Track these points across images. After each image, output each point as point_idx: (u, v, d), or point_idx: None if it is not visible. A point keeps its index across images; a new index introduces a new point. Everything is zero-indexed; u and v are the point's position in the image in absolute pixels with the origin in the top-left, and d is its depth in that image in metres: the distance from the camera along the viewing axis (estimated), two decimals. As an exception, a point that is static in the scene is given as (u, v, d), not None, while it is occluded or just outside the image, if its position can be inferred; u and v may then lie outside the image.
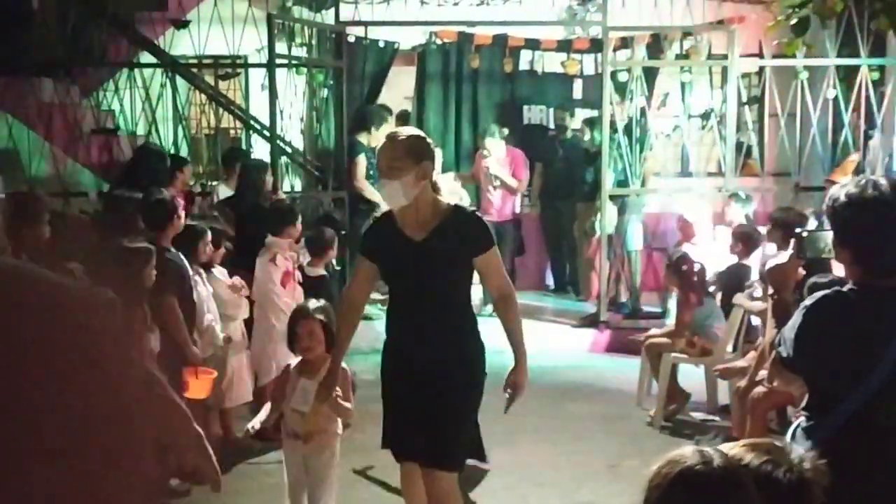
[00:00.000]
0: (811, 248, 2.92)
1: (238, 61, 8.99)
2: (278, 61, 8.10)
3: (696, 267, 6.40)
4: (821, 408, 2.63)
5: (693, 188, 8.70)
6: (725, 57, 8.37)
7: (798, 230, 3.08)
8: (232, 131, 10.24)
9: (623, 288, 8.94)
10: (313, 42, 9.27)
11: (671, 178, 9.26)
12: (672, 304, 8.09)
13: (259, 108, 8.39)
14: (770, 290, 3.40)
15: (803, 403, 2.74)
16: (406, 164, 3.60)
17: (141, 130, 8.44)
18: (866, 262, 2.61)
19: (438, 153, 8.78)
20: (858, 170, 7.61)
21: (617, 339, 8.17)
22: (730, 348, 6.27)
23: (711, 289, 6.58)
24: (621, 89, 8.57)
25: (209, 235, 5.51)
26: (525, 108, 10.36)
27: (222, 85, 9.18)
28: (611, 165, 8.52)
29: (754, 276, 6.21)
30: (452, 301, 3.77)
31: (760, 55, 8.49)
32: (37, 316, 0.86)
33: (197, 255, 5.39)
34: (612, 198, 8.56)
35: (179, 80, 8.26)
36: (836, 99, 8.33)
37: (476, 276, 4.03)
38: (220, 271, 5.79)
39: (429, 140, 3.76)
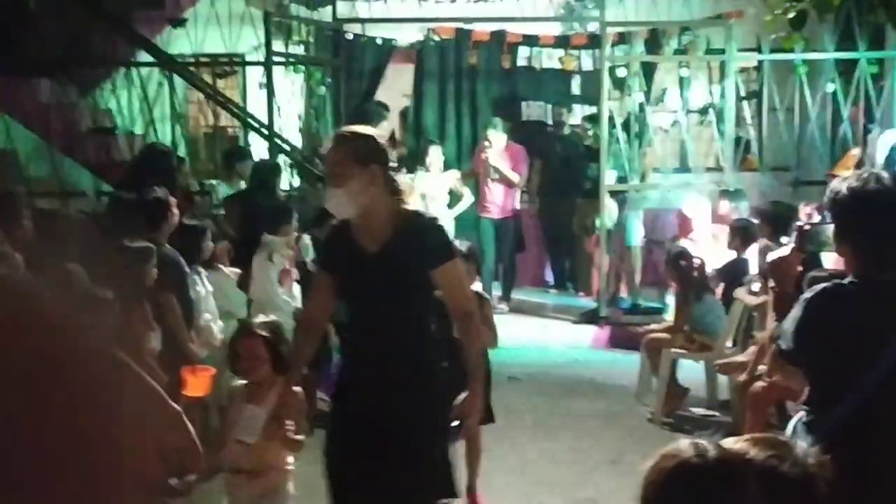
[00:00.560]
0: (812, 241, 2.92)
1: (235, 59, 8.99)
2: (276, 59, 8.10)
3: (696, 262, 6.40)
4: (821, 402, 2.62)
5: (692, 183, 8.69)
6: (723, 52, 8.35)
7: (800, 224, 3.08)
8: (230, 130, 10.23)
9: (623, 283, 8.94)
10: (311, 40, 9.27)
11: (670, 174, 9.25)
12: (671, 300, 8.10)
13: (257, 106, 8.38)
14: (771, 284, 3.40)
15: (803, 398, 2.74)
16: (351, 170, 3.21)
17: (138, 129, 8.42)
18: (867, 254, 2.61)
19: (438, 151, 8.87)
20: (860, 164, 7.60)
21: (617, 335, 8.17)
22: (729, 343, 6.27)
23: (711, 284, 6.58)
24: (619, 85, 8.56)
25: (209, 234, 5.51)
26: (523, 104, 10.36)
27: (220, 83, 9.17)
28: (610, 161, 8.51)
29: (753, 270, 6.21)
30: (413, 323, 3.36)
31: (758, 50, 8.48)
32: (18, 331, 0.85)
33: (197, 254, 5.39)
34: (612, 194, 8.56)
35: (177, 79, 8.24)
36: (834, 93, 8.32)
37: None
38: (230, 270, 5.82)
39: (380, 139, 3.38)
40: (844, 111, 8.22)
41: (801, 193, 8.12)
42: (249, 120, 8.59)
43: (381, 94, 9.77)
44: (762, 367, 4.90)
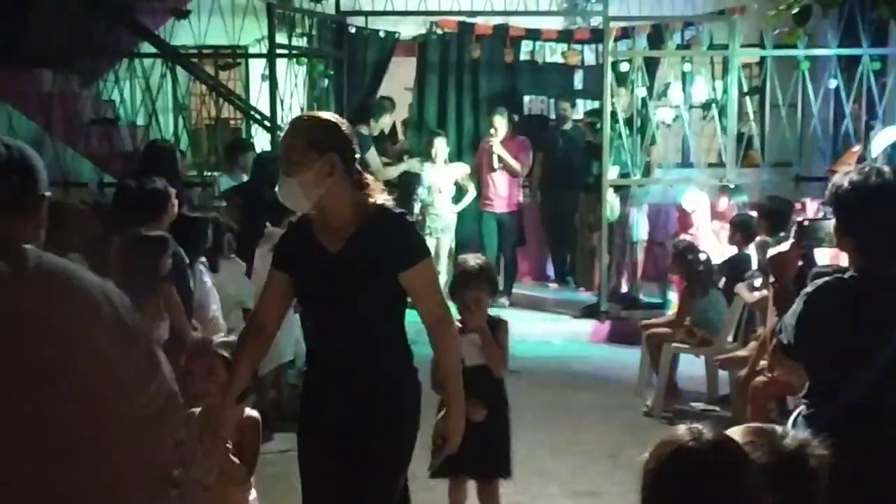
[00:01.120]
0: (811, 237, 2.93)
1: (238, 51, 8.99)
2: (278, 51, 8.10)
3: (703, 257, 6.40)
4: (821, 395, 2.63)
5: (694, 179, 8.69)
6: (727, 47, 8.35)
7: (800, 219, 3.09)
8: (232, 122, 10.24)
9: (624, 278, 8.95)
10: (314, 32, 9.26)
11: (672, 169, 9.25)
12: (672, 295, 8.11)
13: (259, 98, 8.38)
14: (771, 279, 3.40)
15: (804, 391, 2.75)
16: (305, 158, 2.87)
17: (141, 121, 8.43)
18: (868, 249, 2.62)
19: (443, 143, 8.85)
20: (861, 160, 7.60)
21: (617, 330, 8.19)
22: (730, 338, 6.28)
23: (716, 279, 6.58)
24: (622, 80, 8.56)
25: (210, 226, 5.52)
26: (525, 98, 10.36)
27: (222, 75, 9.17)
28: (612, 156, 8.51)
29: (755, 265, 6.21)
30: (377, 331, 3.00)
31: (762, 45, 8.48)
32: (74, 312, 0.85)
33: (200, 246, 5.40)
34: (614, 189, 8.56)
35: (179, 71, 8.26)
36: (837, 89, 8.32)
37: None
38: (237, 262, 5.86)
39: (343, 126, 2.98)
40: (847, 107, 8.22)
41: (802, 189, 8.13)
42: (252, 112, 8.61)
43: (383, 87, 9.76)
44: (763, 363, 4.91)
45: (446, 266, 8.77)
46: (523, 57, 10.07)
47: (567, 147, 9.45)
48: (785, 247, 3.00)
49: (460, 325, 3.62)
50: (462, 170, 8.98)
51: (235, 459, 3.11)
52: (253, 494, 3.31)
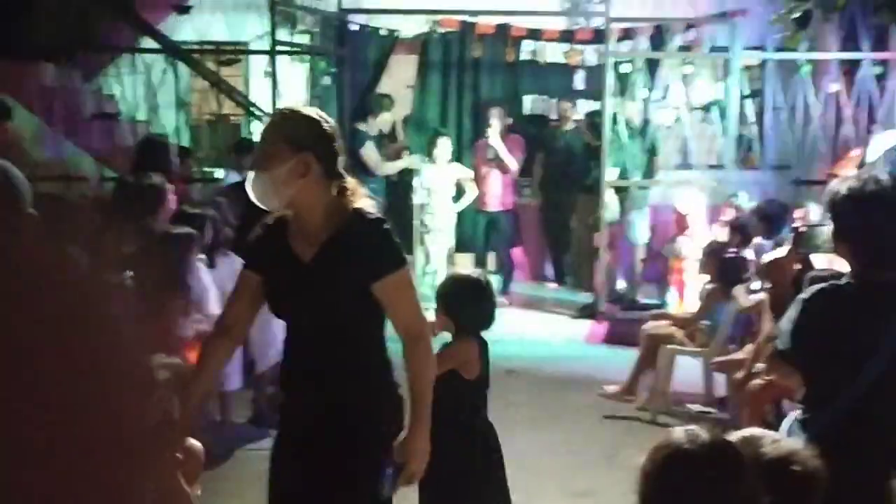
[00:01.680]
0: (808, 243, 2.94)
1: (240, 48, 9.00)
2: (280, 48, 8.11)
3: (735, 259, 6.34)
4: (817, 400, 2.65)
5: (693, 181, 8.70)
6: (727, 49, 8.36)
7: (797, 226, 3.11)
8: (233, 118, 10.25)
9: (623, 279, 8.96)
10: (315, 29, 9.27)
11: (672, 171, 9.26)
12: (670, 296, 8.12)
13: (260, 94, 8.40)
14: (767, 285, 3.42)
15: (800, 396, 2.76)
16: (279, 152, 2.71)
17: (142, 116, 8.44)
18: (865, 255, 2.63)
19: (447, 142, 8.84)
20: (861, 164, 7.61)
21: (615, 331, 8.19)
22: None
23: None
24: (623, 81, 8.57)
25: (209, 222, 5.53)
26: (526, 98, 10.36)
27: (224, 71, 9.18)
28: (612, 157, 8.52)
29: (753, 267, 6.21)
30: (350, 344, 2.80)
31: (763, 48, 8.49)
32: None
33: (199, 242, 5.41)
34: (614, 190, 8.57)
35: (181, 66, 8.26)
36: (837, 93, 8.33)
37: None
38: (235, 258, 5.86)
39: (326, 124, 2.78)
40: (847, 111, 8.23)
41: (801, 192, 8.14)
42: (253, 108, 8.61)
43: (384, 85, 9.77)
44: (760, 365, 4.92)
45: (444, 266, 8.78)
46: (525, 57, 10.08)
47: (568, 147, 9.46)
48: (781, 253, 3.02)
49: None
50: (463, 170, 8.97)
51: (184, 484, 2.90)
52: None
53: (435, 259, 8.81)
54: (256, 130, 8.76)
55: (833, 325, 2.62)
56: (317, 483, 2.78)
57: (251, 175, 2.76)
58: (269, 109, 8.00)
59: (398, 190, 9.66)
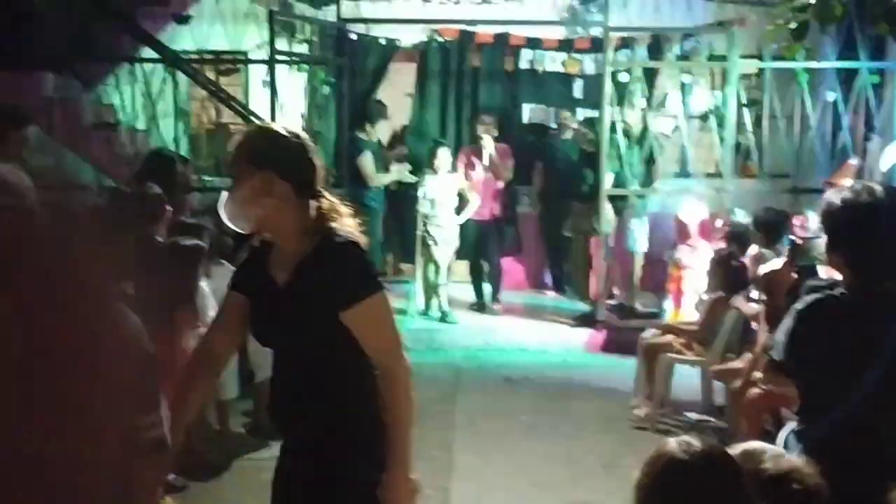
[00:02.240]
0: (805, 256, 2.95)
1: (239, 57, 9.02)
2: (279, 58, 8.14)
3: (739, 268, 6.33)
4: (813, 412, 2.65)
5: (692, 189, 8.71)
6: (725, 58, 8.39)
7: (793, 238, 3.12)
8: (232, 127, 10.26)
9: (620, 288, 8.97)
10: (314, 39, 9.29)
11: (670, 179, 9.28)
12: (668, 305, 8.12)
13: (260, 104, 8.41)
14: (762, 296, 3.43)
15: (796, 407, 2.77)
16: (241, 171, 2.58)
17: (141, 125, 8.46)
18: (859, 266, 2.64)
19: (447, 152, 8.83)
20: (858, 173, 7.63)
21: (614, 339, 8.19)
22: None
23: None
24: (621, 89, 8.59)
25: (208, 232, 5.54)
26: (526, 106, 10.39)
27: (223, 81, 9.20)
28: (609, 166, 8.54)
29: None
30: (326, 374, 2.62)
31: (760, 57, 8.51)
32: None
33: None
34: (612, 198, 8.58)
35: (180, 76, 8.28)
36: (835, 102, 8.35)
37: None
38: (230, 269, 5.85)
39: (292, 142, 2.61)
40: (844, 120, 8.25)
41: (799, 201, 8.15)
42: (252, 118, 8.62)
43: (383, 94, 9.79)
44: (758, 374, 4.93)
45: (444, 278, 8.78)
46: (523, 65, 10.11)
47: (567, 156, 9.47)
48: (777, 265, 3.03)
49: None
50: (464, 180, 8.94)
51: None
52: None
53: (442, 269, 8.79)
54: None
55: (828, 335, 2.63)
56: None
57: (222, 195, 2.62)
58: (269, 118, 8.01)
59: (398, 199, 9.68)
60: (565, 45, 10.09)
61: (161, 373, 2.06)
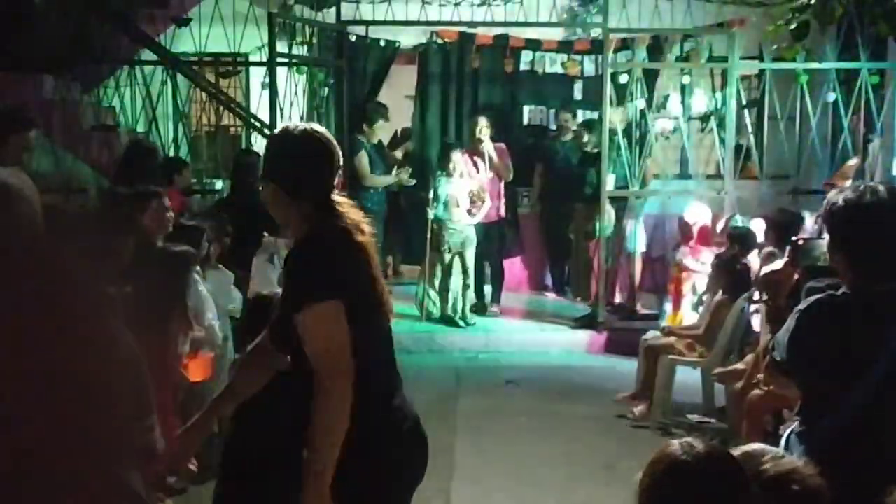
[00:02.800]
0: (806, 256, 2.94)
1: (239, 59, 9.01)
2: (279, 60, 8.13)
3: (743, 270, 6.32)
4: (814, 412, 2.64)
5: (692, 190, 8.71)
6: (726, 59, 8.38)
7: (794, 238, 3.11)
8: (232, 129, 10.26)
9: (619, 289, 8.96)
10: (314, 41, 9.28)
11: (670, 180, 9.27)
12: (668, 307, 8.11)
13: (259, 106, 8.40)
14: (764, 297, 3.42)
15: (797, 408, 2.76)
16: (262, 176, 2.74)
17: (141, 127, 8.44)
18: (861, 266, 2.63)
19: (459, 155, 8.77)
20: (858, 174, 7.62)
21: (614, 341, 8.19)
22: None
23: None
24: (622, 91, 8.59)
25: (206, 234, 5.53)
26: (525, 108, 10.38)
27: (223, 83, 9.19)
28: (610, 167, 8.53)
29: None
30: (283, 385, 2.67)
31: (761, 58, 8.50)
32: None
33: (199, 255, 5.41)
34: (612, 199, 8.57)
35: (180, 78, 8.27)
36: (835, 102, 8.34)
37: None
38: (224, 272, 5.85)
39: (287, 145, 2.68)
40: (845, 121, 8.24)
41: (800, 202, 8.14)
42: (252, 120, 8.62)
43: (383, 96, 9.78)
44: (759, 376, 4.92)
45: (472, 280, 8.71)
46: (523, 67, 10.10)
47: (566, 157, 9.47)
48: (778, 265, 3.02)
49: None
50: (476, 182, 8.87)
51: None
52: None
53: (470, 270, 8.69)
54: (256, 142, 8.77)
55: (830, 336, 2.62)
56: None
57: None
58: (268, 121, 8.00)
59: (399, 201, 9.68)
60: (565, 47, 10.08)
61: (153, 377, 2.06)
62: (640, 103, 8.75)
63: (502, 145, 9.14)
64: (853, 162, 7.99)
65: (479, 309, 9.09)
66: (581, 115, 9.95)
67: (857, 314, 2.60)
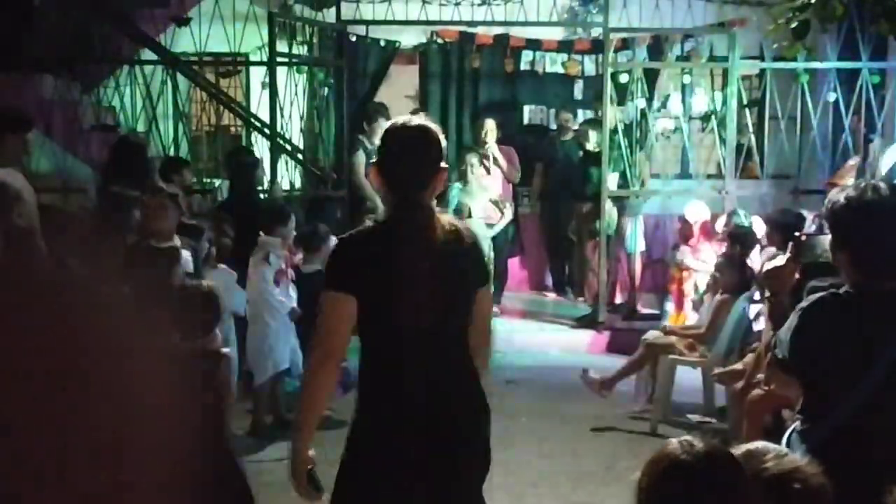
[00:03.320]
0: (808, 252, 2.93)
1: (239, 59, 9.01)
2: (279, 59, 8.12)
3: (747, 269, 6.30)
4: (815, 411, 2.63)
5: (693, 190, 8.70)
6: (726, 59, 8.37)
7: (796, 234, 3.09)
8: (232, 129, 10.25)
9: (619, 289, 8.95)
10: (314, 41, 9.27)
11: (670, 180, 9.26)
12: (669, 306, 8.10)
13: (259, 106, 8.40)
14: (766, 294, 3.41)
15: (799, 407, 2.75)
16: None
17: (141, 127, 8.44)
18: (863, 264, 2.62)
19: (477, 160, 8.72)
20: (859, 174, 7.61)
21: (615, 340, 8.17)
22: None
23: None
24: (622, 90, 8.58)
25: (207, 234, 5.53)
26: (526, 108, 10.37)
27: (223, 82, 9.19)
28: (611, 167, 8.52)
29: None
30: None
31: (761, 58, 8.49)
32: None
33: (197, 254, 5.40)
34: (613, 199, 8.56)
35: (180, 78, 8.27)
36: (836, 102, 8.33)
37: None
38: (226, 272, 5.85)
39: (404, 143, 2.88)
40: (846, 120, 8.24)
41: (801, 202, 8.13)
42: (252, 120, 8.61)
43: (383, 96, 9.77)
44: (759, 376, 4.91)
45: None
46: (524, 67, 10.09)
47: (567, 157, 9.46)
48: (780, 262, 3.01)
49: None
50: (494, 192, 8.75)
51: None
52: None
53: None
54: (256, 141, 8.77)
55: (832, 334, 2.61)
56: None
57: None
58: (268, 120, 8.00)
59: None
60: (565, 47, 10.07)
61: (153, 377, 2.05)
62: (641, 103, 8.74)
63: (511, 149, 9.14)
64: (854, 162, 7.98)
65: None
66: (581, 115, 9.94)
67: (859, 312, 2.60)
